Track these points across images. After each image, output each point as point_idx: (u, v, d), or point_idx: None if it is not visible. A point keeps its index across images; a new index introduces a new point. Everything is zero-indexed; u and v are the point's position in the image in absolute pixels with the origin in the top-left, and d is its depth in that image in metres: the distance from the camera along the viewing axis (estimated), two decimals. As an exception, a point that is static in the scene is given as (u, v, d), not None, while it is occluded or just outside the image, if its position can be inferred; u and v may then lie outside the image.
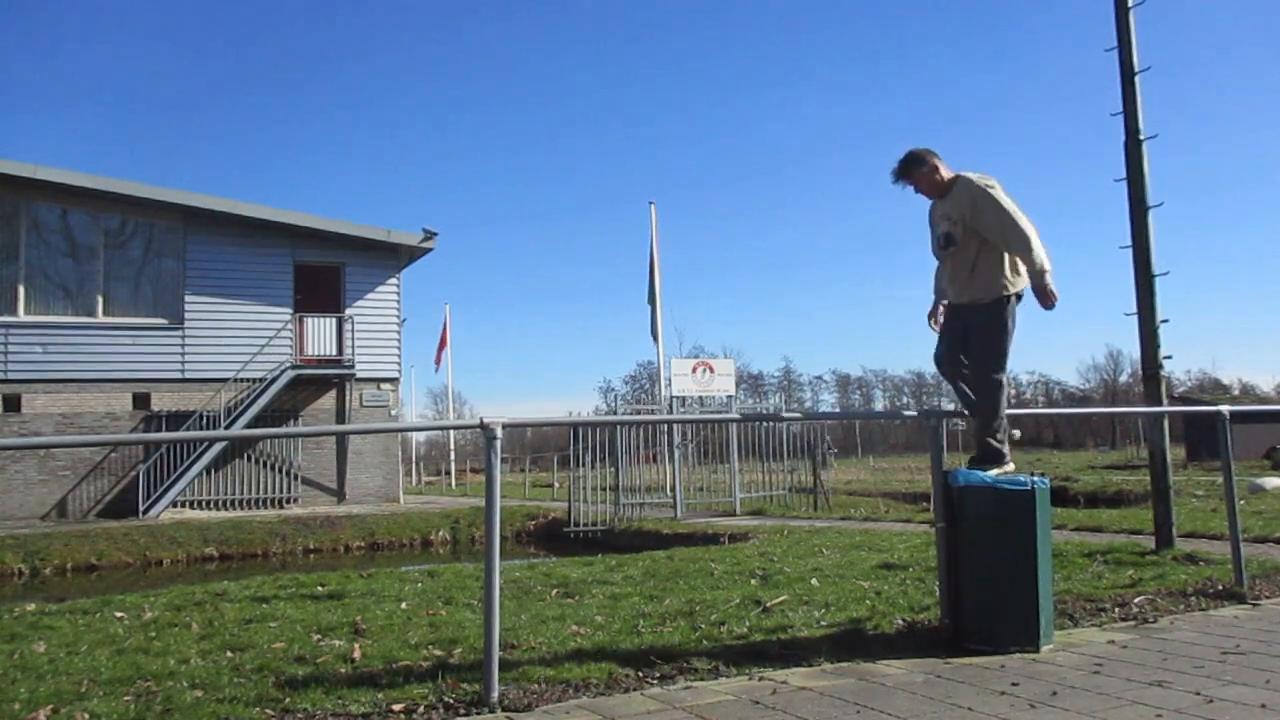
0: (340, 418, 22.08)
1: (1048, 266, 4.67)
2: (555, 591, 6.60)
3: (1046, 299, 4.70)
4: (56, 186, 20.38)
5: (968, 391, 5.02)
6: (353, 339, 22.02)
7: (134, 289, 21.40)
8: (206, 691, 3.92)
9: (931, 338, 5.22)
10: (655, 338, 19.97)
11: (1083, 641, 4.64)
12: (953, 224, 4.87)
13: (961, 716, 3.43)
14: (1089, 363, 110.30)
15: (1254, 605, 5.53)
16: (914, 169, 4.91)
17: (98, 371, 20.52)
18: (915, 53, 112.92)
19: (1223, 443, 6.06)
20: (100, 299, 20.95)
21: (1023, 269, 4.82)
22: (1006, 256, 4.81)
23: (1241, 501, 9.79)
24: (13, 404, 19.95)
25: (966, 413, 5.10)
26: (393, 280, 22.97)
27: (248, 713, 3.62)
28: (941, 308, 5.19)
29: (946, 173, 4.92)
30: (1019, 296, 4.89)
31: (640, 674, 4.11)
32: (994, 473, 4.71)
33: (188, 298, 21.30)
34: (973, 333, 4.94)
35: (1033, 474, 4.85)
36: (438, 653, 4.53)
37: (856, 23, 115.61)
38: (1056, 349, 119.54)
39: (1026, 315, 4.96)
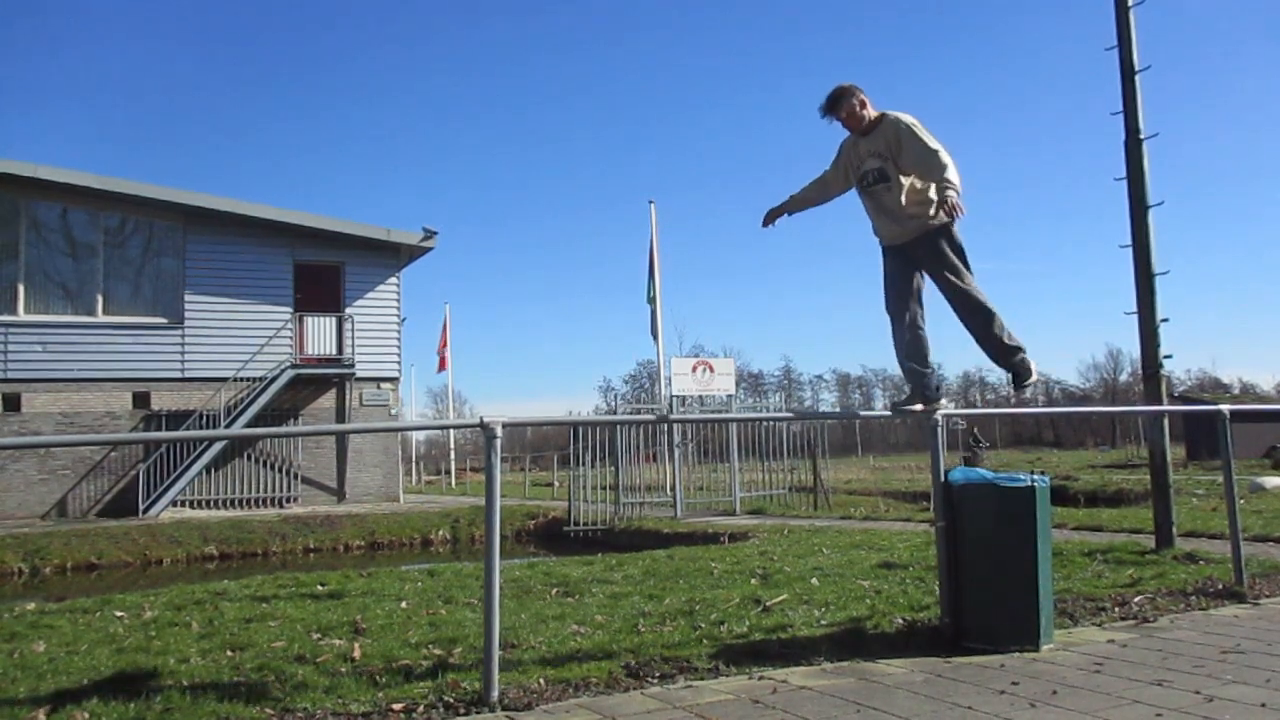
0: (340, 417, 22.07)
1: (957, 185, 4.59)
2: (555, 591, 6.60)
3: (947, 205, 4.58)
4: (56, 186, 20.36)
5: (918, 334, 5.02)
6: (353, 338, 22.01)
7: (134, 288, 21.39)
8: (206, 691, 3.92)
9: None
10: (655, 337, 19.93)
11: (1083, 641, 4.64)
12: (883, 160, 4.91)
13: (962, 716, 3.43)
14: (1089, 362, 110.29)
15: (1254, 604, 5.53)
16: (841, 101, 4.94)
17: (98, 371, 20.51)
18: (915, 52, 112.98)
19: (1223, 442, 6.06)
20: (100, 298, 20.94)
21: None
22: (934, 187, 4.78)
23: (1241, 501, 9.78)
24: (13, 403, 19.94)
25: (902, 357, 5.08)
26: (393, 280, 22.97)
27: (248, 712, 3.62)
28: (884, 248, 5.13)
29: (872, 110, 4.97)
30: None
31: (640, 673, 4.11)
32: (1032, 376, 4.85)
33: (187, 297, 21.28)
34: (928, 261, 4.93)
35: (1032, 472, 4.85)
36: (438, 652, 4.53)
37: (856, 22, 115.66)
38: (1056, 348, 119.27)
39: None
